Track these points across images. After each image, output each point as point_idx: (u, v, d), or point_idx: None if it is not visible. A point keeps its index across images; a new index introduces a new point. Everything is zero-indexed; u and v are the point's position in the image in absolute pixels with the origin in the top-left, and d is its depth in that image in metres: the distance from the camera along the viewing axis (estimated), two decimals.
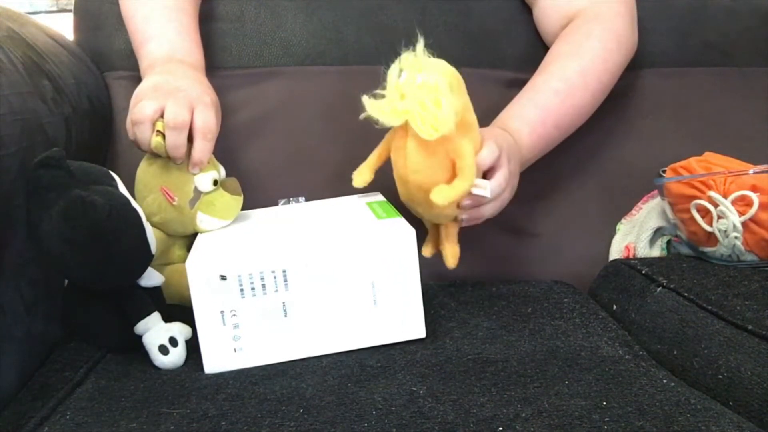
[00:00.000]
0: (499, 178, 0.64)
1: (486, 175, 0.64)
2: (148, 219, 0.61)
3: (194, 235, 0.66)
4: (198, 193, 0.65)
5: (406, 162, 0.61)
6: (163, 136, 0.61)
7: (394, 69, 0.59)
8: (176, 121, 0.61)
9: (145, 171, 0.66)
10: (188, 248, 0.70)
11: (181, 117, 0.61)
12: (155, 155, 0.64)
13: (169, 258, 0.68)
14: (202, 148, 0.63)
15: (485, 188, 0.61)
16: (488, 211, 0.66)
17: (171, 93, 0.63)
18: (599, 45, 0.79)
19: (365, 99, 0.59)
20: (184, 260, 0.69)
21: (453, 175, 0.61)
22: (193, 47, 0.75)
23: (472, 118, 0.63)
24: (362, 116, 0.59)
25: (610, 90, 0.82)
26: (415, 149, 0.60)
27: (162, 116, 0.62)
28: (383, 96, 0.59)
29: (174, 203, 0.64)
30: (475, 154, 0.61)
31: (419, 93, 0.56)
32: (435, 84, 0.56)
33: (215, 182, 0.66)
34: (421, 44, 0.59)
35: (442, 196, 0.59)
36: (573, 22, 0.82)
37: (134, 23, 0.75)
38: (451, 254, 0.68)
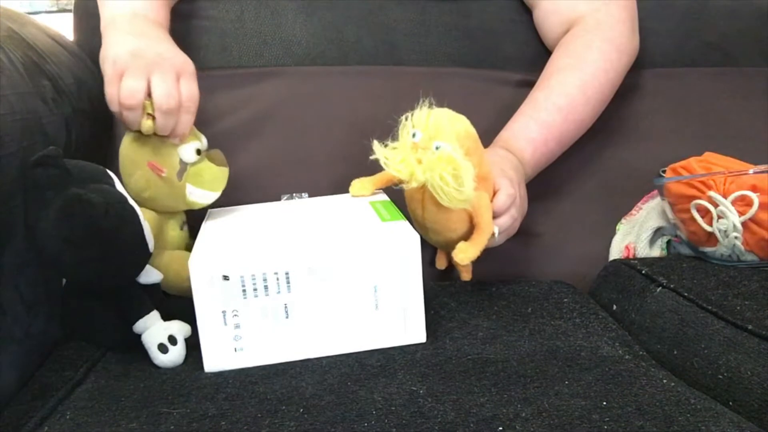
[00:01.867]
0: (513, 213, 0.65)
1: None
2: (137, 196, 0.61)
3: (186, 212, 0.66)
4: (184, 165, 0.65)
5: (424, 214, 0.63)
6: (153, 117, 0.61)
7: (407, 125, 0.60)
8: (169, 104, 0.60)
9: (128, 147, 0.65)
10: (181, 227, 0.69)
11: (173, 99, 0.60)
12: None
13: (164, 240, 0.67)
14: (185, 120, 0.62)
15: (497, 232, 0.63)
16: (502, 239, 0.66)
17: (156, 64, 0.61)
18: (600, 56, 0.79)
19: (377, 147, 0.60)
20: (177, 241, 0.69)
21: (470, 224, 0.63)
22: (158, 4, 0.72)
23: (487, 169, 0.63)
24: (372, 158, 0.60)
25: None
26: (432, 205, 0.61)
27: (149, 95, 0.60)
28: (395, 148, 0.60)
29: (163, 175, 0.64)
30: (490, 196, 0.63)
31: (437, 165, 0.57)
32: (452, 156, 0.57)
33: (198, 152, 0.66)
34: (433, 107, 0.60)
35: (466, 256, 0.61)
36: (573, 30, 0.82)
37: None
38: (466, 271, 0.69)
